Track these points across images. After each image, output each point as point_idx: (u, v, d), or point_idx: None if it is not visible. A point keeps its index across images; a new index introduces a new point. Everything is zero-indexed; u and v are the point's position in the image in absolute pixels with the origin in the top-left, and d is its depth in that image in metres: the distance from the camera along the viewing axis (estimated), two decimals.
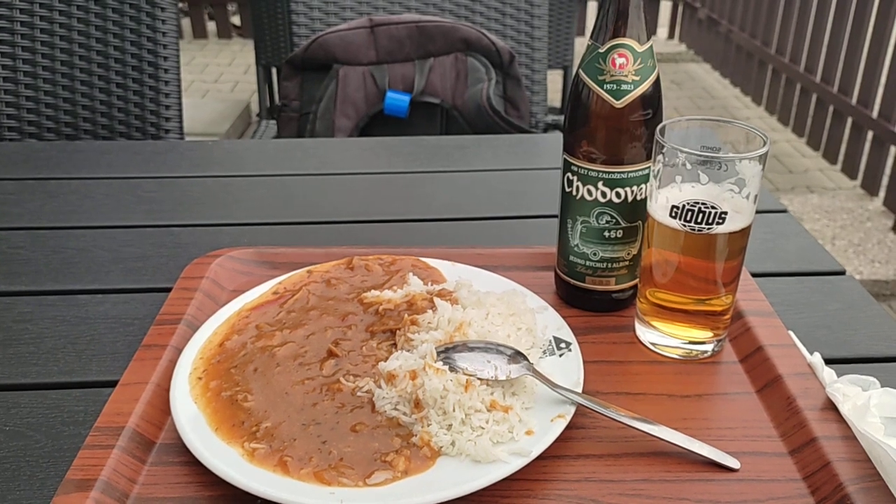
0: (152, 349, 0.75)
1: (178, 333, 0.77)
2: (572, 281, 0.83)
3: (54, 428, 0.69)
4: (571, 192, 0.79)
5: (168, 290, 0.86)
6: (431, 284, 0.82)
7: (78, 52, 1.50)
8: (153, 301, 0.86)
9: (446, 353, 0.69)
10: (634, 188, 0.77)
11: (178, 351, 0.75)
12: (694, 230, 0.70)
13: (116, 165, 1.24)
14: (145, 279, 0.93)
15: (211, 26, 5.74)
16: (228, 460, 0.62)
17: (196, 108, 4.01)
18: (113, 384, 0.71)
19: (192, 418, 0.66)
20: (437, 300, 0.76)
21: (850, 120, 3.56)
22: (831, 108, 3.71)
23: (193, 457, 0.62)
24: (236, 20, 5.63)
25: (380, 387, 0.68)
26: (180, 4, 5.35)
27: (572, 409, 0.66)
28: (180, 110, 1.55)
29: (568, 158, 0.78)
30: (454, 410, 0.64)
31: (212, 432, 0.65)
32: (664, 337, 0.77)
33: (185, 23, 5.63)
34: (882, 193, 3.35)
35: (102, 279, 0.93)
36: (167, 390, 0.70)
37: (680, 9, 5.72)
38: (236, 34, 5.74)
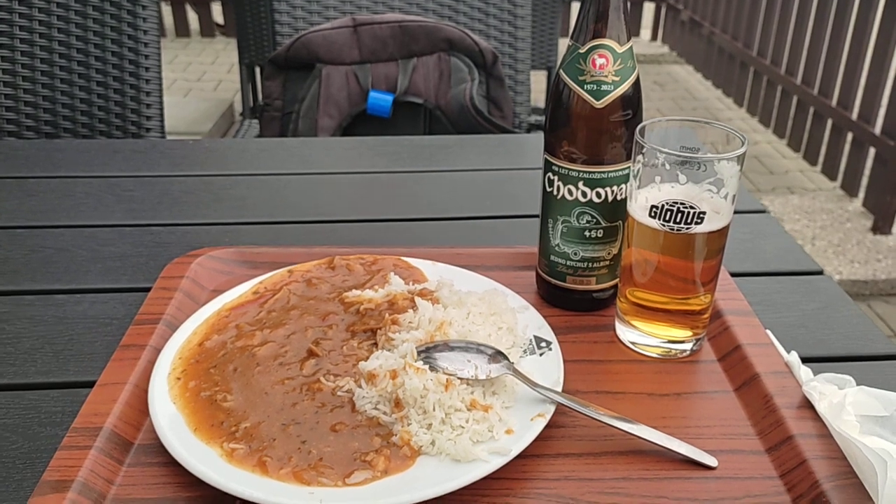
0: (131, 349, 0.75)
1: (157, 333, 0.77)
2: (553, 280, 0.83)
3: (31, 429, 0.69)
4: (552, 191, 0.79)
5: (147, 289, 0.85)
6: (413, 284, 0.82)
7: (58, 49, 1.49)
8: (132, 301, 0.85)
9: (427, 352, 0.69)
10: (615, 188, 0.77)
11: (157, 351, 0.74)
12: (673, 230, 0.71)
13: (96, 164, 1.23)
14: (124, 279, 0.92)
15: (194, 24, 5.70)
16: (207, 461, 0.61)
17: (179, 106, 3.99)
18: (91, 385, 0.70)
19: (170, 418, 0.66)
20: (418, 300, 0.76)
21: (829, 122, 3.60)
22: (812, 110, 3.75)
23: (172, 457, 0.62)
24: (220, 18, 5.59)
25: (360, 386, 0.68)
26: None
27: (552, 408, 0.66)
28: (161, 109, 1.54)
29: (549, 158, 0.79)
30: (434, 410, 0.64)
31: (190, 433, 0.64)
32: (644, 336, 0.78)
33: (168, 21, 5.59)
34: (861, 194, 3.39)
35: (81, 279, 0.92)
36: (145, 391, 0.69)
37: (663, 11, 5.76)
38: (220, 32, 5.70)
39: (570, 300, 0.84)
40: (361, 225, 1.07)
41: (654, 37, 5.91)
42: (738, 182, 0.71)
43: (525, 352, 0.74)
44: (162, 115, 1.55)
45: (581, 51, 0.74)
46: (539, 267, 0.85)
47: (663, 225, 0.71)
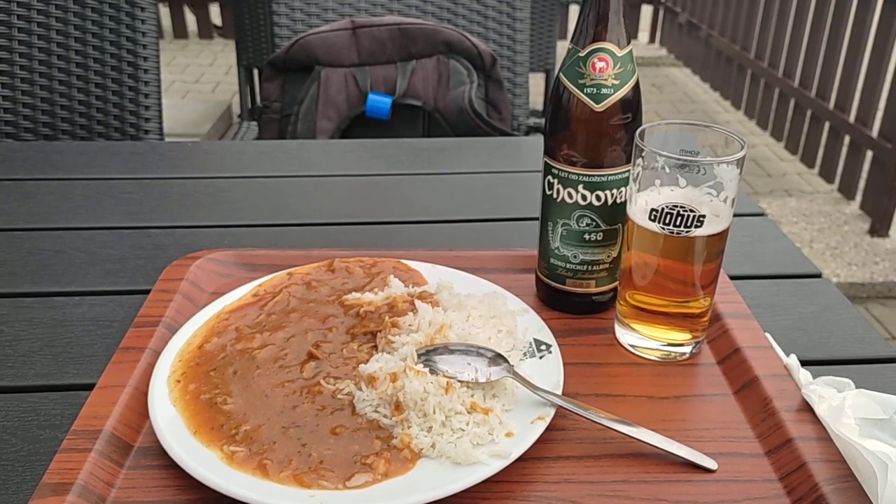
0: (130, 352, 0.74)
1: (156, 336, 0.77)
2: (553, 283, 0.83)
3: (30, 431, 0.68)
4: (552, 194, 0.79)
5: (147, 292, 0.85)
6: (412, 287, 0.82)
7: (56, 51, 1.48)
8: (131, 303, 0.85)
9: (427, 355, 0.69)
10: (614, 191, 0.77)
11: (157, 353, 0.74)
12: (672, 233, 0.71)
13: (94, 166, 1.23)
14: (123, 281, 0.92)
15: (192, 26, 5.70)
16: (207, 464, 0.61)
17: (177, 108, 3.98)
18: (90, 387, 0.70)
19: (170, 421, 0.65)
20: (417, 302, 0.76)
21: (827, 124, 3.60)
22: (809, 113, 3.75)
23: (171, 460, 0.62)
24: (218, 20, 5.59)
25: (360, 389, 0.68)
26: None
27: (552, 411, 0.66)
28: (160, 111, 1.54)
29: (549, 161, 0.79)
30: (434, 412, 0.64)
31: (190, 435, 0.64)
32: (643, 339, 0.78)
33: (166, 22, 5.58)
34: (859, 197, 3.39)
35: (80, 281, 0.92)
36: (145, 393, 0.69)
37: (661, 13, 5.77)
38: (217, 34, 5.70)
39: (570, 303, 0.84)
40: (360, 227, 1.07)
41: (651, 39, 5.92)
42: (738, 185, 0.71)
43: (525, 355, 0.74)
44: (160, 116, 1.55)
45: (581, 54, 0.74)
46: (539, 270, 0.85)
47: (663, 228, 0.71)
